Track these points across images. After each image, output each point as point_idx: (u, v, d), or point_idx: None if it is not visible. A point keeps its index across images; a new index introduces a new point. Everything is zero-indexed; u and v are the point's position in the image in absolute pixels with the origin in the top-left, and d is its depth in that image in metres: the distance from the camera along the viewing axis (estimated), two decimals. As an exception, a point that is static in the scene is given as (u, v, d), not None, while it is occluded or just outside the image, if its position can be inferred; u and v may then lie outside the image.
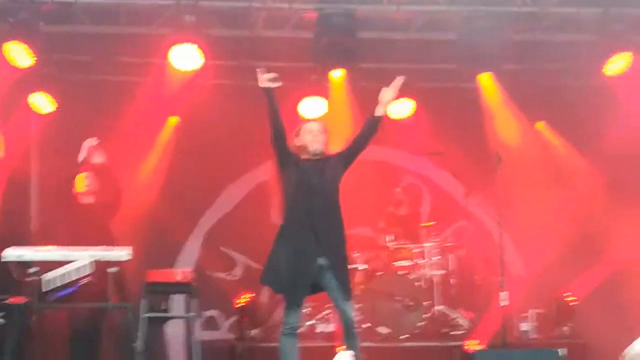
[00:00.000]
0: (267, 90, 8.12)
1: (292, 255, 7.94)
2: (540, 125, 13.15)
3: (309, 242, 7.94)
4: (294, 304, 7.97)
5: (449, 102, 12.91)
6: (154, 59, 11.71)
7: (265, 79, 8.08)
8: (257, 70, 8.13)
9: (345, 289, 7.96)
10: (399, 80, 8.46)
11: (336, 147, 8.40)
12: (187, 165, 12.63)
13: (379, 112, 8.38)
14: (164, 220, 12.52)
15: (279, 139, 8.09)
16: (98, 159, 10.36)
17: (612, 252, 12.01)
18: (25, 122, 12.18)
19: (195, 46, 11.12)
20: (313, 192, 8.02)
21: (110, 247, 9.24)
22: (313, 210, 7.98)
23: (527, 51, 12.05)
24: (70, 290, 9.07)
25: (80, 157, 10.25)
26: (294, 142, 8.25)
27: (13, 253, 8.90)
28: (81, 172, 10.30)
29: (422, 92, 12.83)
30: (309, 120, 8.57)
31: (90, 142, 10.32)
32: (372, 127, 8.36)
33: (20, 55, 10.88)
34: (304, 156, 8.19)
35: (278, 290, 8.17)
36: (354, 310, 8.10)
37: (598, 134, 11.79)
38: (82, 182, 10.27)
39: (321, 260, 7.94)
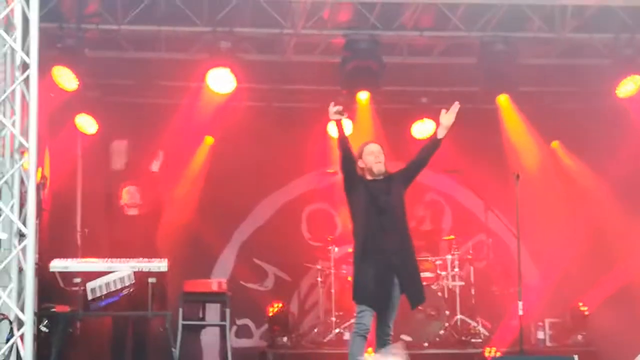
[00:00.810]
0: (335, 121, 8.57)
1: (374, 272, 8.33)
2: (555, 144, 13.49)
3: (386, 259, 8.37)
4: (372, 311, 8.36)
5: (469, 122, 12.78)
6: (191, 82, 12.08)
7: (333, 112, 8.55)
8: (330, 105, 8.58)
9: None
10: (456, 106, 8.82)
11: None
12: (222, 182, 12.89)
13: (440, 134, 8.80)
14: (200, 233, 12.81)
15: (349, 163, 8.52)
16: (156, 167, 10.86)
17: (624, 264, 12.25)
18: (72, 141, 12.61)
19: (229, 70, 11.47)
20: (383, 211, 8.41)
21: (150, 259, 9.55)
22: (385, 227, 8.40)
23: (542, 74, 12.42)
24: (112, 299, 9.49)
25: (115, 164, 10.58)
26: (358, 165, 8.63)
27: (59, 264, 9.37)
28: (126, 185, 10.64)
29: (443, 113, 13.29)
30: (368, 143, 8.83)
31: (118, 145, 10.64)
32: (433, 148, 8.83)
33: (67, 79, 11.22)
34: (368, 177, 8.59)
35: (369, 304, 8.43)
36: None
37: (610, 152, 12.08)
38: (127, 195, 10.58)
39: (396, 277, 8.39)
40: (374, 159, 8.60)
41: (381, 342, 8.43)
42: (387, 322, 8.46)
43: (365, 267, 8.41)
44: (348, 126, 12.85)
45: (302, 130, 13.07)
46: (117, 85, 12.68)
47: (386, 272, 8.39)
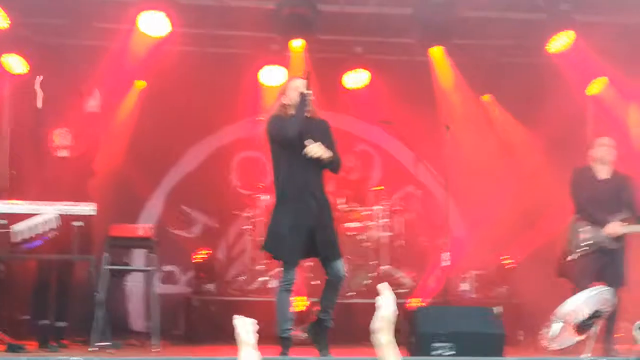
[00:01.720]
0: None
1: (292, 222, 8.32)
2: (487, 97, 13.56)
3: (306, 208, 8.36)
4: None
5: (402, 74, 13.18)
6: (123, 24, 11.85)
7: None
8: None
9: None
10: None
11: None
12: (152, 127, 12.75)
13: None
14: (129, 178, 12.71)
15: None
16: (94, 107, 10.62)
17: (550, 218, 12.06)
18: (-1, 81, 12.39)
19: (162, 13, 11.37)
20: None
21: (76, 202, 9.43)
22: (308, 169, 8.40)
23: (479, 27, 12.39)
24: (38, 242, 9.36)
25: (39, 103, 10.23)
26: (281, 101, 8.53)
27: None
28: (57, 127, 10.37)
29: (377, 63, 13.23)
30: (294, 77, 8.70)
31: (38, 80, 10.42)
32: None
33: None
34: (290, 112, 8.46)
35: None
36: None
37: (540, 107, 12.11)
38: (58, 137, 10.31)
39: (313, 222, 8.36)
40: (296, 95, 8.46)
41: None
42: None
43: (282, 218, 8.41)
44: (282, 74, 12.92)
45: (234, 77, 12.99)
46: (48, 25, 12.40)
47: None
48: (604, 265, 9.88)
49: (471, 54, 13.11)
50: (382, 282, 11.83)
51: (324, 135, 8.58)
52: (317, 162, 8.44)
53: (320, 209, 8.48)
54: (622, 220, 9.85)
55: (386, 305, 4.69)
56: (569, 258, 10.04)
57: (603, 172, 10.14)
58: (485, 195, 12.68)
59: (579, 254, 9.96)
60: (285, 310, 8.50)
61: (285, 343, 8.51)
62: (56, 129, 10.37)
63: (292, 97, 8.47)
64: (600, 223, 9.86)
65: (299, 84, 8.49)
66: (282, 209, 8.44)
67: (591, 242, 9.90)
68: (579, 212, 10.07)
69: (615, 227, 9.81)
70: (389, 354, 4.64)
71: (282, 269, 8.47)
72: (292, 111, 8.48)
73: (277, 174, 8.56)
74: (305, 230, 8.35)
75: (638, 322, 6.03)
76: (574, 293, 9.39)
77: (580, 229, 9.98)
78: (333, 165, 8.57)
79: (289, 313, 8.56)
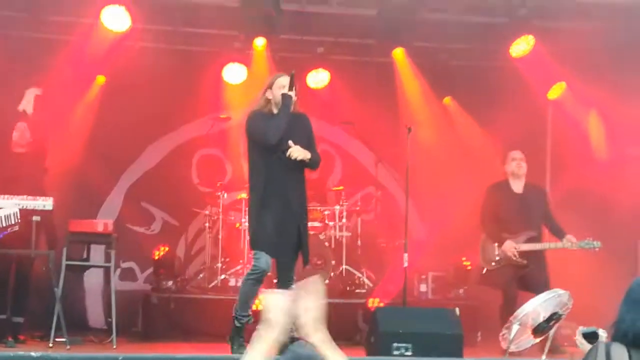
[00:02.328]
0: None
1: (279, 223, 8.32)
2: (447, 100, 13.60)
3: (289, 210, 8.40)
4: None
5: (364, 75, 13.27)
6: (84, 18, 11.81)
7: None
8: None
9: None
10: None
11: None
12: (112, 123, 12.59)
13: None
14: (88, 174, 12.60)
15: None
16: (28, 108, 10.33)
17: None
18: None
19: (124, 8, 11.31)
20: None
21: (35, 197, 9.41)
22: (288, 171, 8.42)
23: (439, 30, 12.38)
24: None
25: (22, 107, 10.26)
26: (266, 95, 8.49)
27: None
28: (17, 122, 10.27)
29: (339, 64, 13.28)
30: (281, 75, 8.61)
31: (34, 91, 10.37)
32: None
33: None
34: (274, 110, 8.42)
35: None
36: None
37: (500, 110, 12.13)
38: (17, 132, 10.22)
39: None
40: (280, 93, 8.44)
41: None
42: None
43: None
44: (244, 71, 12.93)
45: (196, 74, 12.95)
46: (4, 17, 12.18)
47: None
48: (525, 272, 10.34)
49: (432, 56, 13.19)
50: (342, 281, 11.98)
51: (304, 130, 8.61)
52: (298, 163, 8.43)
53: (301, 211, 8.57)
54: (530, 238, 10.35)
55: (311, 307, 4.59)
56: (484, 271, 10.62)
57: (517, 186, 10.58)
58: (445, 198, 12.75)
59: (491, 268, 10.50)
60: (250, 299, 8.47)
61: (236, 330, 8.49)
62: (17, 123, 10.30)
63: (276, 95, 8.44)
64: (499, 241, 10.38)
65: (285, 83, 8.46)
66: (264, 210, 8.38)
67: (498, 258, 10.43)
68: (483, 229, 10.66)
69: (510, 246, 10.30)
70: (329, 352, 4.57)
71: (256, 257, 8.37)
72: (274, 108, 8.47)
73: (256, 173, 8.49)
74: (289, 230, 8.41)
75: (581, 328, 6.09)
76: (503, 299, 10.17)
77: (489, 246, 10.52)
78: (313, 164, 8.58)
79: (251, 303, 8.55)
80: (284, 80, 8.48)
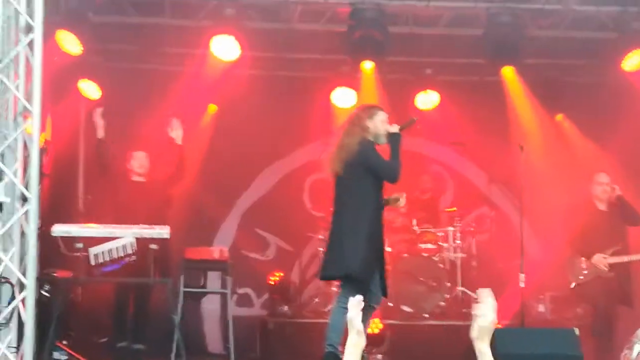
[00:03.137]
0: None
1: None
2: (560, 117, 13.42)
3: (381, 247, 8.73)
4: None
5: (473, 95, 13.17)
6: (195, 49, 12.02)
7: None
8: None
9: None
10: None
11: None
12: (224, 150, 12.90)
13: None
14: (203, 202, 12.89)
15: None
16: (178, 138, 10.70)
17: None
18: (75, 107, 12.63)
19: (233, 37, 11.42)
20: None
21: (152, 226, 9.52)
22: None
23: (548, 47, 12.36)
24: (115, 266, 9.48)
25: (100, 134, 10.51)
26: (365, 123, 8.65)
27: (61, 229, 9.30)
28: (135, 150, 10.62)
29: (447, 84, 13.24)
30: (382, 109, 8.89)
31: (99, 111, 10.57)
32: None
33: (70, 43, 11.16)
34: (370, 138, 8.61)
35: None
36: None
37: (614, 126, 11.97)
38: (135, 160, 10.57)
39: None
40: (384, 128, 8.61)
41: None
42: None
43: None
44: (353, 95, 12.98)
45: (306, 100, 13.09)
46: (121, 51, 12.60)
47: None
48: (612, 286, 10.62)
49: (542, 73, 13.06)
50: (458, 303, 11.88)
51: None
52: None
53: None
54: (616, 251, 10.64)
55: (484, 314, 4.58)
56: (571, 286, 10.95)
57: (602, 205, 10.94)
58: (560, 216, 12.51)
59: (579, 282, 10.82)
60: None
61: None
62: (134, 152, 10.49)
63: (378, 127, 8.63)
64: (588, 256, 10.69)
65: (385, 118, 8.69)
66: (367, 242, 8.50)
67: (586, 272, 10.74)
68: (569, 246, 11.05)
69: (599, 258, 10.63)
70: None
71: (352, 289, 8.29)
72: (369, 136, 8.60)
73: (363, 200, 8.59)
74: (380, 265, 8.65)
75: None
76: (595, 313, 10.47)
77: (576, 260, 10.85)
78: None
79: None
80: (385, 115, 8.73)
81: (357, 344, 4.80)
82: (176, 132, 10.63)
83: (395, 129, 8.60)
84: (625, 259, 10.66)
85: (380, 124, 8.62)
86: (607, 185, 10.88)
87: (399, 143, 8.54)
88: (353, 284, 8.33)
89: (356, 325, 4.80)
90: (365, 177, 8.56)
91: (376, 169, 8.53)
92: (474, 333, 4.59)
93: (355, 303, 4.80)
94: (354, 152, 8.52)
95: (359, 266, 8.39)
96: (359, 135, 8.58)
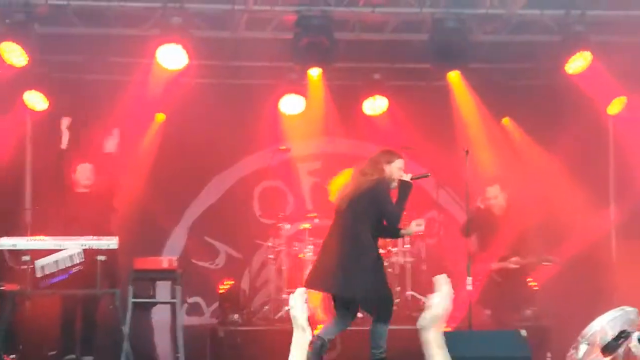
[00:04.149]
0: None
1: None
2: (506, 121, 13.49)
3: None
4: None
5: (420, 99, 13.31)
6: (142, 59, 11.98)
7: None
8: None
9: None
10: None
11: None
12: (173, 159, 12.88)
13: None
14: (151, 212, 12.79)
15: None
16: (111, 147, 10.72)
17: (572, 239, 12.31)
18: (20, 118, 12.57)
19: (180, 46, 11.36)
20: None
21: (100, 237, 9.58)
22: None
23: (493, 51, 12.47)
24: (62, 277, 9.53)
25: (64, 144, 10.54)
26: (382, 166, 8.96)
27: (7, 242, 9.39)
28: (80, 162, 10.59)
29: (395, 90, 13.28)
30: (401, 156, 9.19)
31: (65, 121, 10.58)
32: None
33: (15, 54, 11.08)
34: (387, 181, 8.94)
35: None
36: None
37: (559, 128, 12.08)
38: (81, 172, 10.55)
39: None
40: (398, 175, 8.96)
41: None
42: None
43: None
44: (301, 102, 12.98)
45: (253, 107, 13.10)
46: (67, 62, 12.59)
47: None
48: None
49: (488, 77, 13.12)
50: (408, 307, 11.90)
51: None
52: None
53: None
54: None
55: (437, 304, 4.61)
56: None
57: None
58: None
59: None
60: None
61: None
62: (79, 165, 10.45)
63: (393, 173, 8.97)
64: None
65: (401, 165, 9.05)
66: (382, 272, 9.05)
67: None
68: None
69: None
70: (436, 351, 4.57)
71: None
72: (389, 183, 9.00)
73: (371, 235, 8.90)
74: None
75: (637, 333, 6.00)
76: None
77: None
78: None
79: None
80: (402, 162, 9.08)
81: (301, 340, 4.82)
82: (111, 142, 10.59)
83: (407, 177, 8.97)
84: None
85: (396, 171, 8.99)
86: (495, 198, 11.53)
87: (409, 192, 8.93)
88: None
89: (300, 322, 4.81)
90: (377, 215, 8.88)
91: (384, 208, 8.84)
92: (421, 322, 4.63)
93: (297, 295, 4.82)
94: (368, 188, 8.82)
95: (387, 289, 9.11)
96: (376, 175, 8.90)
